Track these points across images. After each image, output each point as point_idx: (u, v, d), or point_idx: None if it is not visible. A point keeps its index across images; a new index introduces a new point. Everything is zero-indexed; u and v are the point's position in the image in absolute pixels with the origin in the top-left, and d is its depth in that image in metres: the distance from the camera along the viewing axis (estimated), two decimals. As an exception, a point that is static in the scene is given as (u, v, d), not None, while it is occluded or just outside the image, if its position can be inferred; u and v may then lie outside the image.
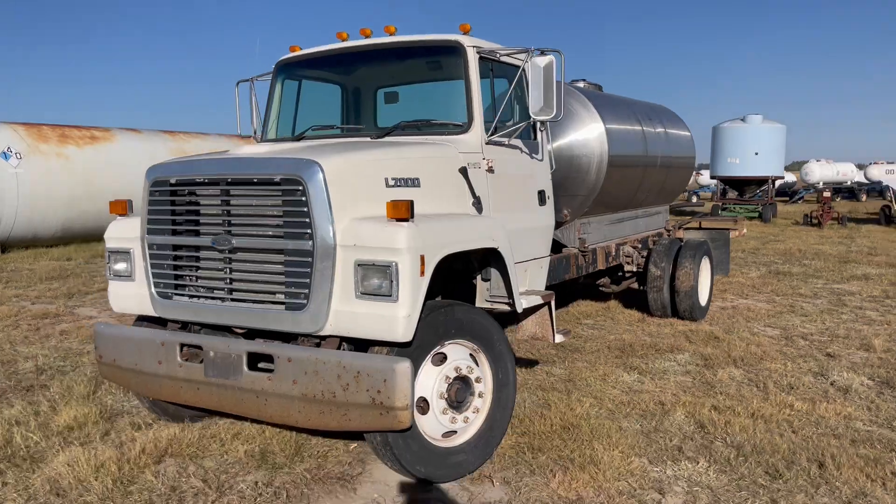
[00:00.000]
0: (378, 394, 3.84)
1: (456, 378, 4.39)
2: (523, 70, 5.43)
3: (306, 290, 4.11)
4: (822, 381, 6.44)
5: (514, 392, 4.77)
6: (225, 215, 4.38)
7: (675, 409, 5.63)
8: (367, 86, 6.35)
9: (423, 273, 4.00)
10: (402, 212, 3.97)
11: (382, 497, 4.24)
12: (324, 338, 4.29)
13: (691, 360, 7.11)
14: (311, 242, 4.07)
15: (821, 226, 23.80)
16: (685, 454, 4.78)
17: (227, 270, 4.44)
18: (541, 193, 5.93)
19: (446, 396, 4.34)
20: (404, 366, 3.82)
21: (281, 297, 4.27)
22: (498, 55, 5.50)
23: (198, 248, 4.57)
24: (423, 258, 3.99)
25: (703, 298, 9.19)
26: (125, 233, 5.02)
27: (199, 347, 4.50)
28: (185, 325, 4.92)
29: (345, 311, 4.07)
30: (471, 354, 4.51)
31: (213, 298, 4.55)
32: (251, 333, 4.76)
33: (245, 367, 4.26)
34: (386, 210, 4.03)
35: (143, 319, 5.21)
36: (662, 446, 4.92)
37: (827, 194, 24.75)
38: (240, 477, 4.47)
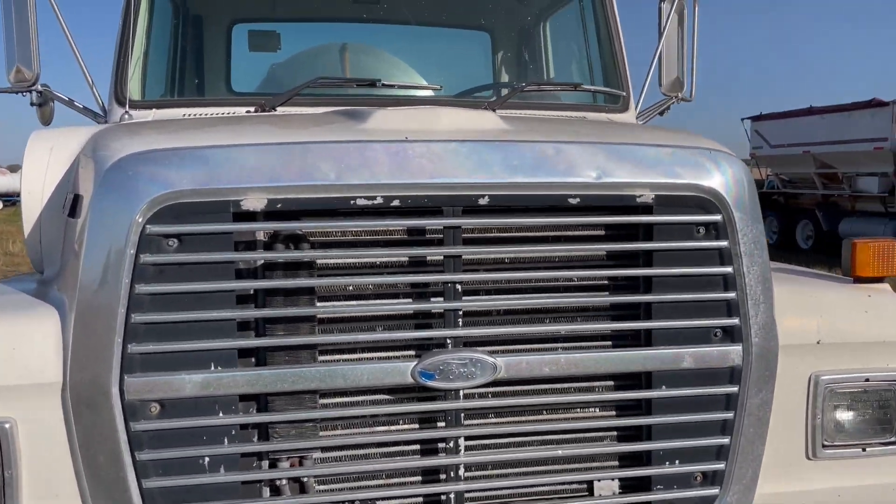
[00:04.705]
0: None
1: None
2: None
3: (720, 465, 1.99)
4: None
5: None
6: (479, 288, 1.97)
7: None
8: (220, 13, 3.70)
9: None
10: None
11: None
12: None
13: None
14: (739, 348, 1.97)
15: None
16: None
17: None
18: None
19: None
20: None
21: (611, 489, 2.02)
22: None
23: (314, 394, 1.89)
24: None
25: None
26: None
27: None
28: None
29: (782, 491, 2.13)
30: None
31: None
32: None
33: None
34: (856, 263, 2.25)
35: None
36: None
37: None
38: None
